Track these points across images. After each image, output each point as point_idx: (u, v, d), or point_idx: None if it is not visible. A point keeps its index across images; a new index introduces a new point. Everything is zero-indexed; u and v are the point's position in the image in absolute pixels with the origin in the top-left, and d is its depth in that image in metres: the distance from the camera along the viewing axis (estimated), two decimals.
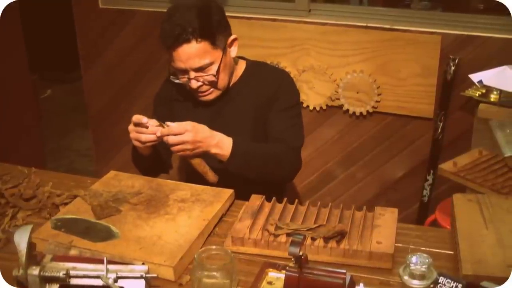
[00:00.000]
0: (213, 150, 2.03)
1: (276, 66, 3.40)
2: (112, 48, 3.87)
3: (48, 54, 5.94)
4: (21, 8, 3.81)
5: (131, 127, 2.02)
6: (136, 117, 1.99)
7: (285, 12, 3.43)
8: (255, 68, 2.30)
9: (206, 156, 2.04)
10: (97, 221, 1.82)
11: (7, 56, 3.75)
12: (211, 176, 2.04)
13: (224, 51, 2.13)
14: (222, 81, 2.16)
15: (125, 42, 3.81)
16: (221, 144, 2.04)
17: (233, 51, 2.20)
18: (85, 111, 4.19)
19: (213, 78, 2.11)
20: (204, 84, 2.13)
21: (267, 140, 2.21)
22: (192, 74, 2.10)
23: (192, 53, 2.05)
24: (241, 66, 2.29)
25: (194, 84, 2.11)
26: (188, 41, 2.03)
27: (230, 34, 2.18)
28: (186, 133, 1.95)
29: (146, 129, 1.99)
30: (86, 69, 4.03)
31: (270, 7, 3.47)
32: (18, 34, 3.89)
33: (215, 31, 2.08)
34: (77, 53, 4.02)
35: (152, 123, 1.99)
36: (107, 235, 1.77)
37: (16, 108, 3.86)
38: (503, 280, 1.46)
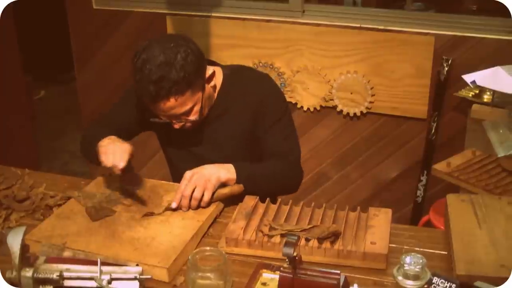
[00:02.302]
0: (223, 174, 1.97)
1: (268, 67, 3.39)
2: (106, 49, 3.87)
3: (42, 55, 5.92)
4: (15, 9, 3.80)
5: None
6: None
7: (279, 13, 3.43)
8: (233, 79, 2.17)
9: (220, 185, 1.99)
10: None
11: (0, 57, 3.74)
12: (237, 188, 2.00)
13: (204, 89, 2.02)
14: (204, 111, 2.07)
15: (119, 43, 3.81)
16: (225, 166, 2.00)
17: (212, 82, 2.08)
18: (79, 112, 4.18)
19: (197, 119, 2.03)
20: (186, 124, 2.05)
21: (263, 155, 2.17)
22: (174, 120, 2.02)
23: (172, 106, 1.95)
24: (219, 78, 2.14)
25: (177, 125, 2.04)
26: (166, 98, 1.92)
27: (205, 70, 2.02)
28: (185, 180, 1.92)
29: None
30: (79, 70, 4.02)
31: (264, 7, 3.47)
32: (11, 35, 3.88)
33: (191, 79, 1.93)
34: (71, 54, 4.01)
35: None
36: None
37: (9, 109, 3.85)
38: (496, 280, 1.47)
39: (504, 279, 1.47)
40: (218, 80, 2.14)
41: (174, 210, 1.91)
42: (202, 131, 2.16)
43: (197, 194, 1.91)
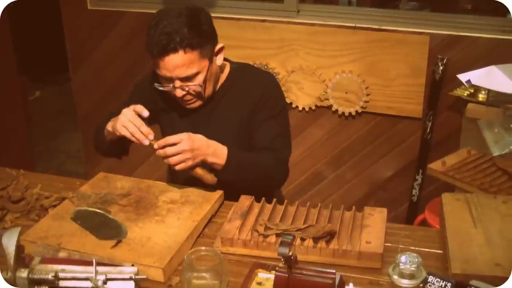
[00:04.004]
0: (210, 159, 2.00)
1: (262, 67, 3.40)
2: (100, 49, 3.86)
3: (37, 56, 5.91)
4: (10, 9, 3.79)
5: (128, 118, 1.99)
6: (140, 108, 1.99)
7: (274, 13, 3.43)
8: (239, 72, 2.26)
9: (203, 165, 2.02)
10: (113, 218, 1.76)
11: None
12: (210, 178, 2.02)
13: (211, 60, 2.09)
14: (207, 90, 2.12)
15: (113, 43, 3.81)
16: (217, 152, 2.01)
17: (219, 59, 2.15)
18: (75, 112, 4.18)
19: (199, 88, 2.07)
20: (189, 93, 2.09)
21: (254, 148, 2.19)
22: (178, 83, 2.05)
23: (179, 63, 2.00)
24: (225, 69, 2.25)
25: (179, 93, 2.07)
26: (175, 50, 1.98)
27: (217, 43, 2.12)
28: (183, 142, 1.92)
29: (139, 130, 1.97)
30: (75, 71, 4.01)
31: (259, 8, 3.48)
32: (6, 35, 3.87)
33: (203, 41, 2.02)
34: (66, 55, 4.00)
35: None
36: (115, 233, 1.74)
37: (4, 110, 3.84)
38: (492, 278, 1.47)
39: (499, 278, 1.48)
40: (225, 72, 2.23)
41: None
42: (203, 121, 2.19)
43: (174, 160, 1.94)
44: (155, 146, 1.94)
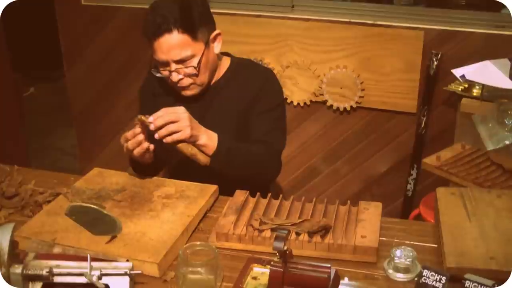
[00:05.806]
0: (202, 139, 1.98)
1: (261, 62, 3.40)
2: (95, 45, 3.85)
3: (31, 52, 5.89)
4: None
5: (125, 142, 1.98)
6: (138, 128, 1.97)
7: (269, 8, 3.43)
8: (239, 66, 2.28)
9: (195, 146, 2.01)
10: (107, 213, 1.75)
11: None
12: (202, 157, 2.00)
13: (207, 45, 2.11)
14: (203, 76, 2.13)
15: (108, 39, 3.79)
16: (209, 134, 2.01)
17: (217, 47, 2.17)
18: (69, 109, 4.17)
19: (194, 71, 2.08)
20: (185, 77, 2.11)
21: (250, 141, 2.19)
22: (173, 66, 2.07)
23: (174, 44, 2.03)
24: (225, 62, 2.26)
25: (175, 77, 2.09)
26: (169, 31, 2.01)
27: (214, 29, 2.15)
28: (181, 108, 1.94)
29: (133, 133, 1.96)
30: (69, 67, 4.00)
31: (253, 3, 3.47)
32: None
33: (197, 23, 2.06)
34: (60, 51, 3.99)
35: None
36: (109, 229, 1.73)
37: None
38: (486, 272, 1.47)
39: (493, 271, 1.49)
40: (225, 65, 2.25)
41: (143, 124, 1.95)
42: (202, 112, 2.18)
43: (172, 128, 1.92)
44: (150, 118, 1.92)
